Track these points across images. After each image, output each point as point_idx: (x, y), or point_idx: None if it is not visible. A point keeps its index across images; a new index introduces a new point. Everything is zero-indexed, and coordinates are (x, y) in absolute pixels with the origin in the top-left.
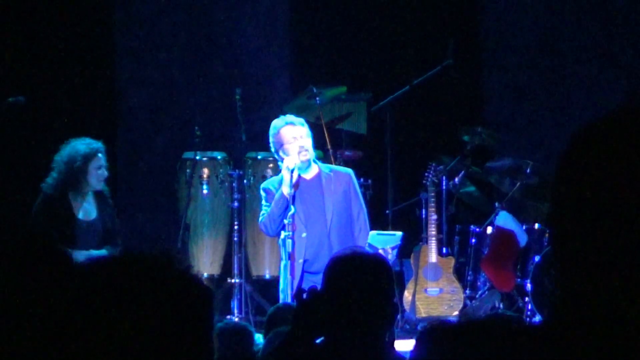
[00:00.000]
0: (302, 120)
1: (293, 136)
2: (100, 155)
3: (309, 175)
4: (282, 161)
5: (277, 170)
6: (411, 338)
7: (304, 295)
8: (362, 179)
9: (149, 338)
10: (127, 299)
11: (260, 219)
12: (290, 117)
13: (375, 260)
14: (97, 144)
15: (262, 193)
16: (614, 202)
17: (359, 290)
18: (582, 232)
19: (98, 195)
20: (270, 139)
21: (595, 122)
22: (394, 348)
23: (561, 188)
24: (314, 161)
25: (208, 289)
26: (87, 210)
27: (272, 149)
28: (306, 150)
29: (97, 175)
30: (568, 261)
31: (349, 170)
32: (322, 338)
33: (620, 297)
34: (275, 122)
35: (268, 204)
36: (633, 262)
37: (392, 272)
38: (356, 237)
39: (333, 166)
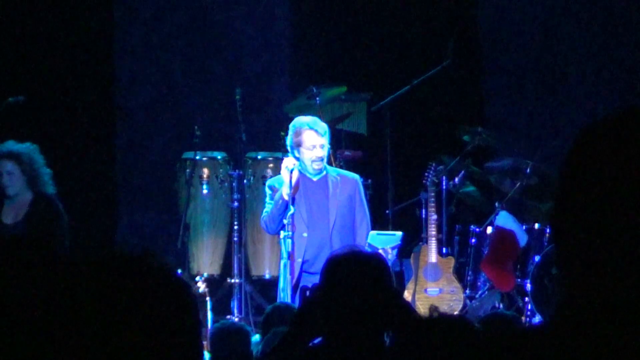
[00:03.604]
0: (326, 128)
1: (313, 144)
2: (5, 161)
3: (316, 177)
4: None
5: (277, 170)
6: None
7: (307, 293)
8: (362, 179)
9: (128, 339)
10: (106, 299)
11: (262, 215)
12: (317, 124)
13: (372, 259)
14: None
15: (267, 190)
16: (618, 201)
17: (357, 289)
18: (586, 231)
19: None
20: (290, 133)
21: (600, 121)
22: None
23: (565, 187)
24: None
25: (189, 288)
26: (15, 214)
27: (288, 144)
28: (322, 160)
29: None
30: (571, 260)
31: (356, 176)
32: (319, 339)
33: (624, 297)
34: (300, 121)
35: (271, 201)
36: (637, 261)
37: (390, 271)
38: (357, 243)
39: (341, 170)
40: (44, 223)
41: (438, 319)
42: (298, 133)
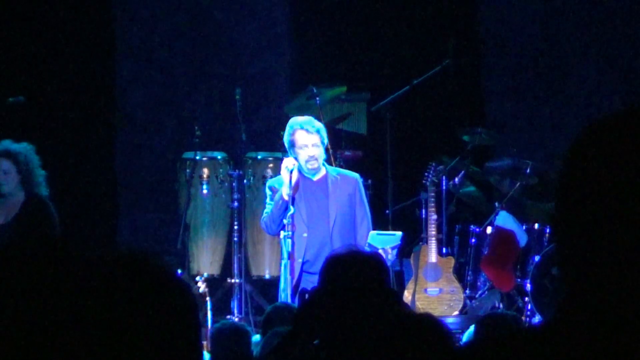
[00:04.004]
0: (318, 126)
1: (304, 143)
2: (2, 160)
3: (315, 176)
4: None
5: (277, 170)
6: None
7: (307, 296)
8: (362, 179)
9: (128, 339)
10: (106, 299)
11: (262, 217)
12: (308, 122)
13: (371, 259)
14: None
15: (268, 191)
16: (620, 201)
17: (355, 288)
18: (587, 231)
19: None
20: (285, 135)
21: (601, 120)
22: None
23: (566, 186)
24: (322, 164)
25: (189, 288)
26: (6, 214)
27: (285, 145)
28: (315, 159)
29: None
30: (572, 260)
31: (356, 175)
32: (318, 340)
33: (624, 297)
34: (293, 121)
35: (271, 202)
36: (638, 261)
37: (389, 271)
38: (358, 242)
39: (340, 170)
40: (35, 224)
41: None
42: (291, 134)
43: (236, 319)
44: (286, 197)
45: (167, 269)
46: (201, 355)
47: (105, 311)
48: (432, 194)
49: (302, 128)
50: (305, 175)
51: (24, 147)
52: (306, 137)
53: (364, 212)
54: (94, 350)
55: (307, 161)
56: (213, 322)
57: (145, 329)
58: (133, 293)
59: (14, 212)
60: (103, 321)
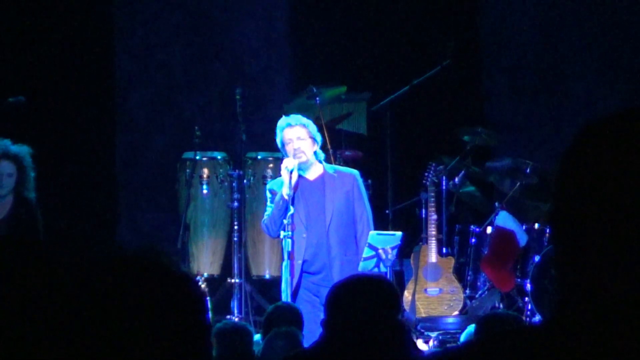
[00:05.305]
0: (303, 120)
1: (289, 138)
2: (7, 163)
3: (312, 175)
4: None
5: (277, 170)
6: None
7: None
8: (362, 179)
9: (137, 340)
10: (115, 301)
11: (263, 219)
12: (290, 118)
13: (376, 284)
14: None
15: (268, 194)
16: (618, 201)
17: (362, 317)
18: (585, 231)
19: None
20: (277, 139)
21: (599, 120)
22: (417, 349)
23: (564, 185)
24: (320, 161)
25: (198, 287)
26: None
27: (279, 148)
28: (302, 152)
29: None
30: (570, 260)
31: (354, 172)
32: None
33: (623, 297)
34: (279, 123)
35: (272, 204)
36: (636, 261)
37: (395, 292)
38: (358, 239)
39: (338, 167)
40: (23, 226)
41: None
42: (279, 135)
43: (236, 319)
44: (286, 197)
45: (176, 268)
46: (211, 352)
47: (113, 311)
48: (432, 194)
49: (285, 124)
50: (304, 175)
51: (24, 150)
52: (289, 132)
53: (363, 208)
54: (105, 350)
55: (294, 155)
56: (214, 322)
57: (156, 327)
58: (142, 292)
59: (4, 212)
60: (111, 321)
